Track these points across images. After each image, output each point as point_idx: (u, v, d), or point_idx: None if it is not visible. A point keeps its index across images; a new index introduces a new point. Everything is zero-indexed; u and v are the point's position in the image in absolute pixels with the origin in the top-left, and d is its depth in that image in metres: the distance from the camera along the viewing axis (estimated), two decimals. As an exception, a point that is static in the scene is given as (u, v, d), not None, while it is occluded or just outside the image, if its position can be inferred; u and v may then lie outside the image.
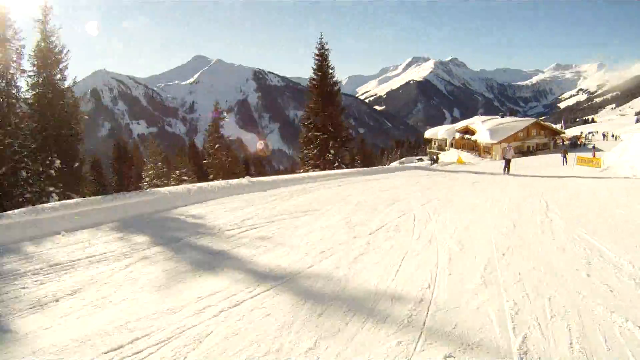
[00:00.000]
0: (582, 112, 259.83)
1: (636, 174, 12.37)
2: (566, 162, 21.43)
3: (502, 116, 53.31)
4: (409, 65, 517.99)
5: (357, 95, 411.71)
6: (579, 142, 47.22)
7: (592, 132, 68.27)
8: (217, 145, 26.04)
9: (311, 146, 21.78)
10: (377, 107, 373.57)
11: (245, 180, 10.06)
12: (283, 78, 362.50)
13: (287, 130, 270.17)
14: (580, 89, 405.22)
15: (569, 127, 79.54)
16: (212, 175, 25.55)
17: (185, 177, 27.38)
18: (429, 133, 53.00)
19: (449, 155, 40.52)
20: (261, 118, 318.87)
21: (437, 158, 25.67)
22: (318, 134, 21.73)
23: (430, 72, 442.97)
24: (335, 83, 23.06)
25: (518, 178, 13.57)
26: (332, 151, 21.10)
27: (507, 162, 16.10)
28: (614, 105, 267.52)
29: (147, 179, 29.94)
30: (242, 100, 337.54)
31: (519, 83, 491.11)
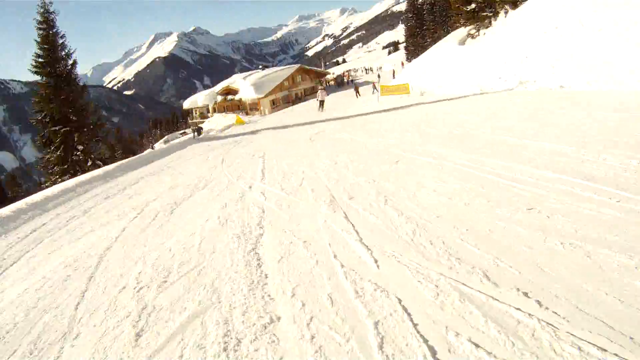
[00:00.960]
0: (331, 55, 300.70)
1: (484, 88, 12.10)
2: (358, 94, 25.03)
3: (263, 69, 51.76)
4: (152, 43, 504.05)
5: (105, 85, 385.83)
6: (345, 80, 47.89)
7: (353, 69, 77.29)
8: None
9: (52, 147, 17.12)
10: (127, 92, 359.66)
11: None
12: (27, 83, 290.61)
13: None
14: (326, 35, 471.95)
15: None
16: None
17: None
18: (187, 103, 48.25)
19: (215, 122, 37.05)
20: (12, 132, 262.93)
21: (200, 128, 24.86)
22: (57, 127, 17.06)
23: (175, 46, 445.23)
24: (69, 55, 18.07)
25: (360, 118, 12.17)
26: (80, 147, 17.14)
27: (322, 103, 20.13)
28: (360, 44, 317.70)
29: None
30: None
31: (265, 40, 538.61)
